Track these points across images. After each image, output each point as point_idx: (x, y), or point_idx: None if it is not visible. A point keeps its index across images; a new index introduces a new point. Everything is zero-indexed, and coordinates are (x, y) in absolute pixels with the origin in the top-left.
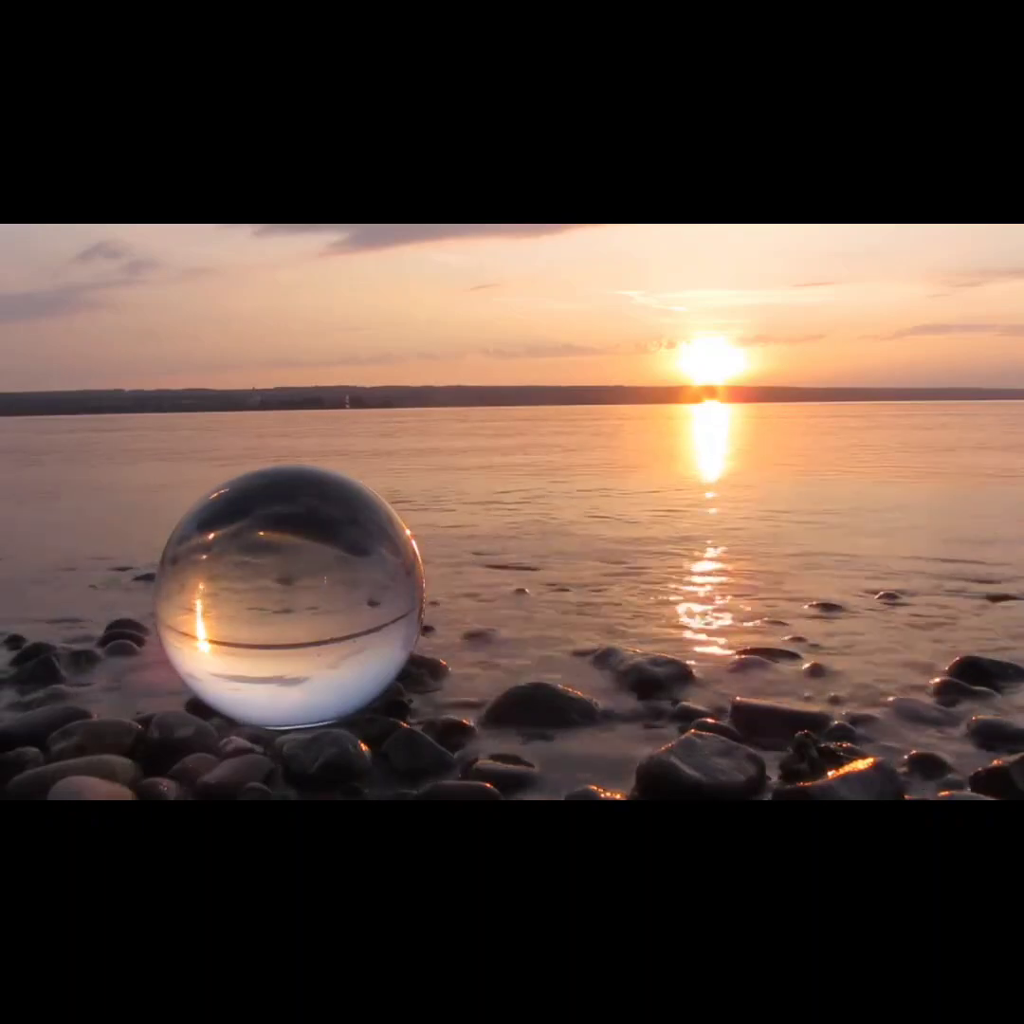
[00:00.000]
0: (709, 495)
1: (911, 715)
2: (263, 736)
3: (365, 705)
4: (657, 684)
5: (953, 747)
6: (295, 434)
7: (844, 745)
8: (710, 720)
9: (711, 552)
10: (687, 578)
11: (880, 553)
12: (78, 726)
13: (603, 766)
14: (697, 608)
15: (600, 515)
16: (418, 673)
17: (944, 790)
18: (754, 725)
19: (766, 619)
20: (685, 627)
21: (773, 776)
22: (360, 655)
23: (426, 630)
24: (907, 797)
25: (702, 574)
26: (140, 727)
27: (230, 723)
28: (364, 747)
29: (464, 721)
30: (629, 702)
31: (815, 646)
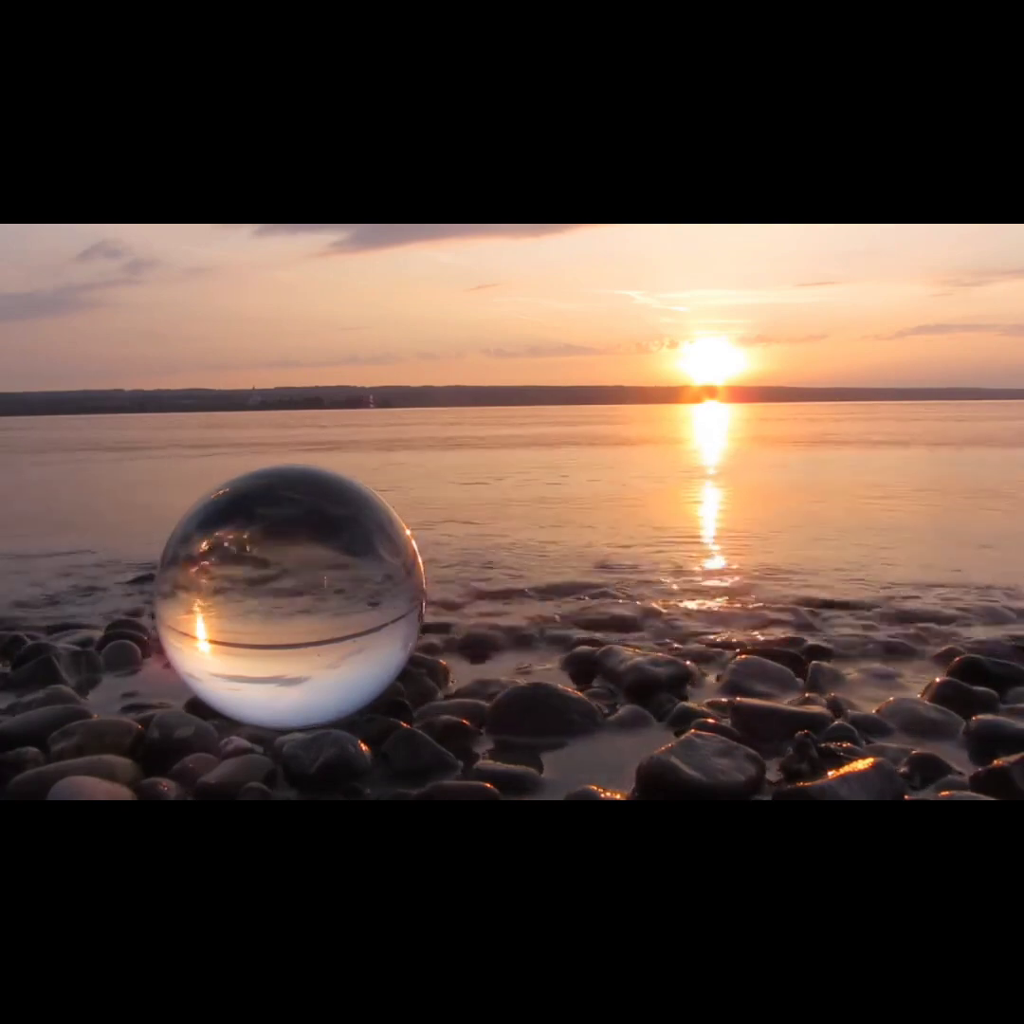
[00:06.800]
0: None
1: (911, 715)
2: (263, 736)
3: (365, 705)
4: (657, 684)
5: (953, 747)
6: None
7: (844, 745)
8: (710, 720)
9: (713, 552)
10: (690, 578)
11: (882, 554)
12: (78, 726)
13: (603, 766)
14: (699, 608)
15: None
16: (418, 673)
17: (944, 790)
18: (754, 725)
19: (767, 619)
20: (686, 626)
21: (773, 776)
22: (360, 655)
23: (426, 630)
24: (907, 797)
25: (705, 574)
26: (140, 727)
27: (230, 723)
28: (364, 747)
29: (464, 721)
30: (629, 702)
31: (816, 646)
